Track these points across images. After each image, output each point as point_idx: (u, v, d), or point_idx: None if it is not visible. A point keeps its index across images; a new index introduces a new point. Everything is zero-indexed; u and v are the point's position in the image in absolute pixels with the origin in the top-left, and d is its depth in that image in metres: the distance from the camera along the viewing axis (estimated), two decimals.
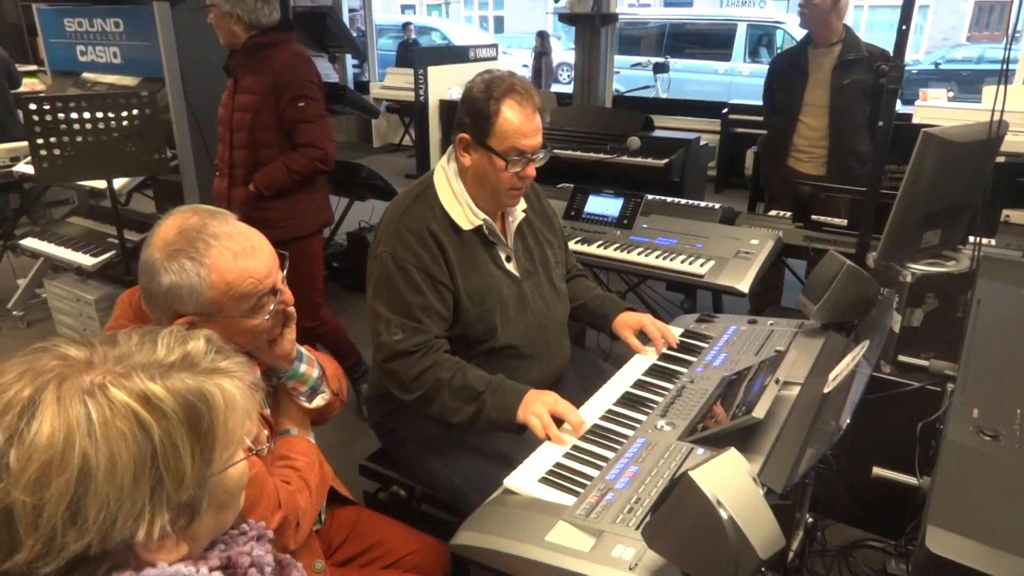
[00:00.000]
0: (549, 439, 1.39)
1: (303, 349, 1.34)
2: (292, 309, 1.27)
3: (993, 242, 2.42)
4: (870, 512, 2.00)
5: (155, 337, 0.70)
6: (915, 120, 4.84)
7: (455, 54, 5.68)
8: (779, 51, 9.62)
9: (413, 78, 5.26)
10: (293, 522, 1.17)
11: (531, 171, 1.59)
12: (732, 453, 0.97)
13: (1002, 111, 1.74)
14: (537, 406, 1.43)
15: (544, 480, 1.26)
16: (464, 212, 1.60)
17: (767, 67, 3.72)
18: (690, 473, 0.90)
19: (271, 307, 1.19)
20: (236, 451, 0.72)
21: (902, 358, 1.85)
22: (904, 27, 1.92)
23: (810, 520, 1.67)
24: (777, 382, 1.35)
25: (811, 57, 3.24)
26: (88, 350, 0.67)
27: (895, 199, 1.84)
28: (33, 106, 2.62)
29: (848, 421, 1.13)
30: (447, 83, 5.27)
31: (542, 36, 10.47)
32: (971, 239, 2.04)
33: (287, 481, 1.21)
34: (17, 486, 0.60)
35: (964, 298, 1.91)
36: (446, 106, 5.14)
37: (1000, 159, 2.91)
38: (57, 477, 0.60)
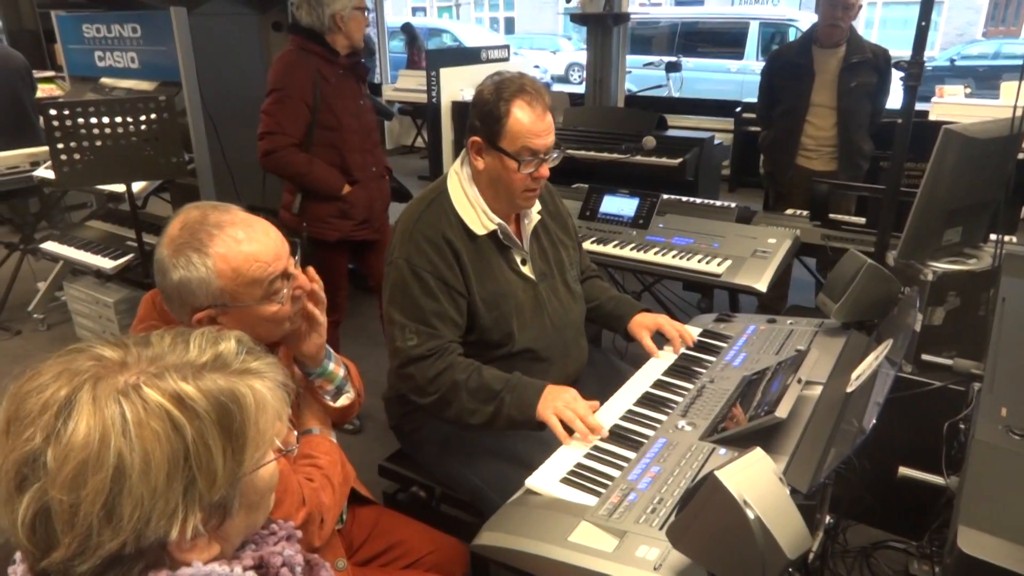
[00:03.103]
0: (570, 437, 1.38)
1: (329, 348, 1.35)
2: (316, 310, 1.27)
3: (1015, 239, 2.39)
4: (891, 512, 1.98)
5: (187, 338, 0.71)
6: (932, 117, 4.79)
7: (467, 55, 5.68)
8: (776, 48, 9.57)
9: (425, 80, 5.27)
10: (317, 519, 1.18)
11: (544, 171, 1.58)
12: (758, 453, 0.96)
13: None
14: (558, 404, 1.43)
15: (565, 480, 1.26)
16: (478, 217, 1.60)
17: None
18: (716, 473, 0.90)
19: (284, 291, 1.19)
20: (267, 452, 0.72)
21: (925, 357, 1.84)
22: (924, 23, 1.90)
23: (830, 521, 1.66)
24: (799, 381, 1.34)
25: (816, 57, 3.23)
26: (122, 351, 0.68)
27: (914, 197, 1.83)
28: (53, 111, 2.65)
29: (873, 422, 1.12)
30: (459, 84, 5.28)
31: (407, 28, 10.87)
32: (992, 236, 2.02)
33: (310, 479, 1.22)
34: (54, 485, 0.61)
35: (986, 296, 1.89)
36: (458, 107, 5.15)
37: (1022, 156, 2.87)
38: (93, 476, 0.61)
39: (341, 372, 1.35)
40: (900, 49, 3.27)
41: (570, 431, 1.40)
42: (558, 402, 1.43)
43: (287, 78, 2.50)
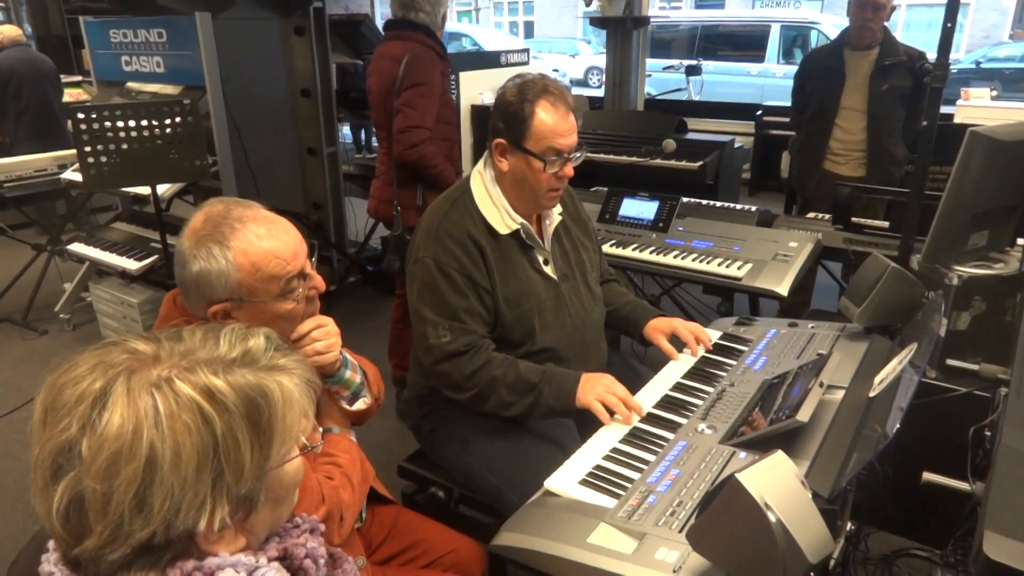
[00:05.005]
0: (612, 420, 1.44)
1: (348, 355, 1.36)
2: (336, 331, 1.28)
3: None
4: (914, 520, 1.95)
5: (218, 334, 0.73)
6: (957, 120, 4.73)
7: (486, 59, 5.70)
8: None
9: None
10: (336, 516, 1.19)
11: (569, 170, 1.60)
12: (780, 456, 0.95)
13: None
14: (599, 390, 1.48)
15: (584, 482, 1.26)
16: (501, 217, 1.62)
17: None
18: (737, 475, 0.89)
19: (300, 291, 1.20)
20: (292, 447, 0.73)
21: (950, 362, 1.81)
22: (949, 25, 1.88)
23: (851, 527, 1.64)
24: (821, 385, 1.33)
25: (847, 59, 3.19)
26: (155, 345, 0.70)
27: (939, 200, 1.81)
28: (81, 115, 2.71)
29: (897, 427, 1.11)
30: (478, 88, 5.29)
31: None
32: (1020, 240, 1.99)
33: (330, 477, 1.23)
34: (88, 474, 0.63)
35: (1013, 301, 1.86)
36: (477, 111, 5.16)
37: None
38: (126, 466, 0.63)
39: (358, 379, 1.36)
40: (925, 51, 3.23)
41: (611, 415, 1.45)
42: (598, 388, 1.48)
43: (429, 73, 2.52)
